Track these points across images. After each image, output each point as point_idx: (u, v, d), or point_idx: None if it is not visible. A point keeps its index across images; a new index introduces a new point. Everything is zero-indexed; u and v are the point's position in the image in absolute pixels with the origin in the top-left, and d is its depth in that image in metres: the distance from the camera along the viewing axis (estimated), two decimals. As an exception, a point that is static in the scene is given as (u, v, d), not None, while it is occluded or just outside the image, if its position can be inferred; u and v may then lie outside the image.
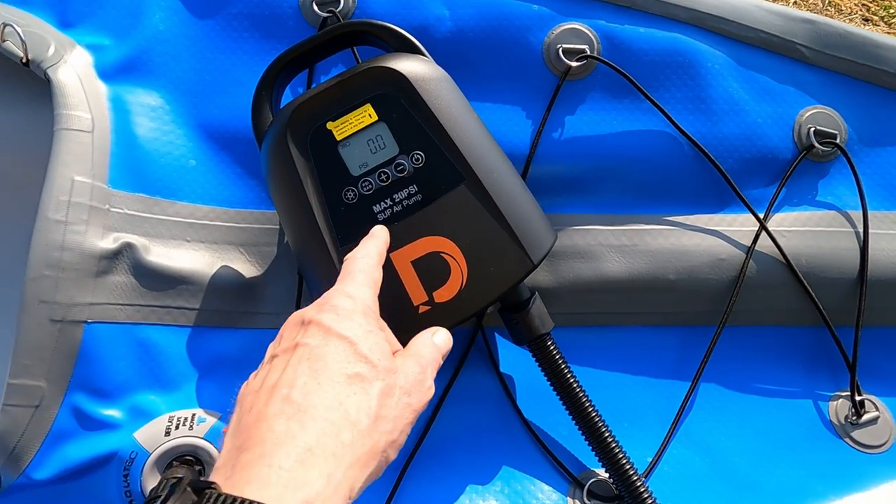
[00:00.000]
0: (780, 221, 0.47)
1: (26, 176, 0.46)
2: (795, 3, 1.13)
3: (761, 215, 0.47)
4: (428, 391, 0.29)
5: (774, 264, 0.46)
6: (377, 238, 0.34)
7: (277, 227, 0.46)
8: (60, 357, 0.38)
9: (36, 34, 0.44)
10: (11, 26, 0.42)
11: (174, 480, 0.23)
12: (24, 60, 0.43)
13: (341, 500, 0.23)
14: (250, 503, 0.20)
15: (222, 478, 0.22)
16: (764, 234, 0.46)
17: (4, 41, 0.43)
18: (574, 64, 0.47)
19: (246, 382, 0.28)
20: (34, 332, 0.38)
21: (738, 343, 0.46)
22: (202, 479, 0.22)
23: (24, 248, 0.39)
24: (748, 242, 0.46)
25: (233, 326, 0.44)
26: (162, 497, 0.22)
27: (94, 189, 0.42)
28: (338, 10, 0.47)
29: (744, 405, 0.46)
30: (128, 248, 0.42)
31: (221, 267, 0.44)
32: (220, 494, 0.21)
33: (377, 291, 0.30)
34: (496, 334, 0.47)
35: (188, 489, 0.22)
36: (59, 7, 0.47)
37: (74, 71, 0.44)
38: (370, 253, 0.32)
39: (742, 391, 0.46)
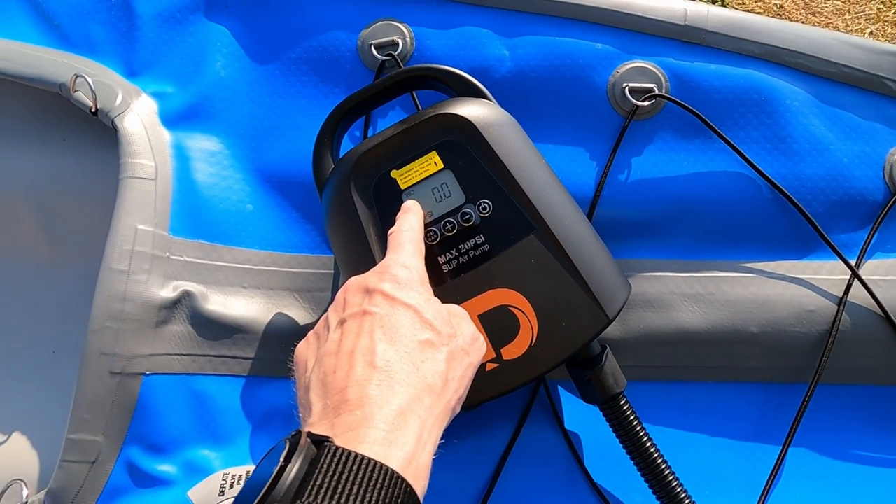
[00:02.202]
0: (874, 269, 0.43)
1: (89, 223, 0.47)
2: (872, 34, 1.08)
3: (853, 262, 0.43)
4: (482, 346, 0.31)
5: (870, 317, 0.42)
6: (414, 212, 0.34)
7: (332, 272, 0.45)
8: (118, 411, 0.38)
9: (104, 84, 0.45)
10: (83, 77, 0.43)
11: (292, 435, 0.24)
12: (93, 110, 0.44)
13: (428, 456, 0.25)
14: (368, 460, 0.22)
15: (325, 433, 0.24)
16: (857, 283, 0.42)
17: (76, 91, 0.44)
18: (641, 103, 0.45)
19: (305, 342, 0.29)
20: (94, 386, 0.37)
21: (830, 404, 0.42)
22: (313, 432, 0.24)
23: (88, 296, 0.39)
24: (838, 292, 0.43)
25: (287, 376, 0.43)
26: (286, 449, 0.23)
27: (156, 237, 0.41)
28: (396, 52, 0.47)
29: (840, 474, 0.41)
30: (187, 296, 0.41)
31: (276, 314, 0.43)
32: (337, 448, 0.23)
33: (423, 261, 0.32)
34: (559, 387, 0.44)
35: (309, 442, 0.23)
36: (126, 56, 0.48)
37: (140, 119, 0.44)
38: (413, 226, 0.33)
39: (837, 458, 0.42)
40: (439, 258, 0.37)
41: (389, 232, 0.33)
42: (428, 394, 0.26)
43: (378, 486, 0.22)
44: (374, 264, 0.36)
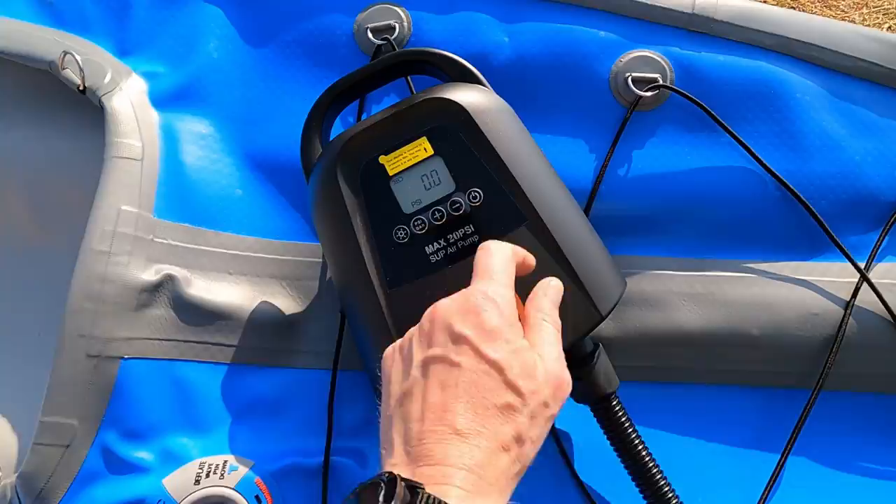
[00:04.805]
0: (885, 273, 0.41)
1: (77, 203, 0.46)
2: (890, 28, 1.05)
3: (862, 265, 0.41)
4: (566, 390, 0.30)
5: (879, 322, 0.40)
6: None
7: (320, 260, 0.44)
8: (95, 394, 0.37)
9: (94, 62, 0.44)
10: (71, 54, 0.42)
11: (386, 475, 0.25)
12: (80, 88, 0.43)
13: None
14: None
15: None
16: (865, 286, 0.40)
17: (64, 69, 0.43)
18: (644, 94, 0.43)
19: (392, 355, 0.30)
20: (70, 368, 0.37)
21: (833, 412, 0.40)
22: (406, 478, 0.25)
23: (69, 277, 0.38)
24: (845, 296, 0.41)
25: (270, 365, 0.42)
26: (383, 491, 0.24)
27: (140, 218, 0.40)
28: (392, 37, 0.45)
29: (842, 485, 0.40)
30: (169, 280, 0.40)
31: (261, 302, 0.42)
32: (430, 496, 0.24)
33: (513, 287, 0.31)
34: (551, 386, 0.43)
35: (404, 486, 0.24)
36: (119, 35, 0.47)
37: (128, 99, 0.43)
38: (504, 248, 0.31)
39: (839, 468, 0.40)
40: (427, 248, 0.35)
41: (480, 247, 0.31)
42: (505, 457, 0.27)
43: None
44: (360, 254, 0.35)
